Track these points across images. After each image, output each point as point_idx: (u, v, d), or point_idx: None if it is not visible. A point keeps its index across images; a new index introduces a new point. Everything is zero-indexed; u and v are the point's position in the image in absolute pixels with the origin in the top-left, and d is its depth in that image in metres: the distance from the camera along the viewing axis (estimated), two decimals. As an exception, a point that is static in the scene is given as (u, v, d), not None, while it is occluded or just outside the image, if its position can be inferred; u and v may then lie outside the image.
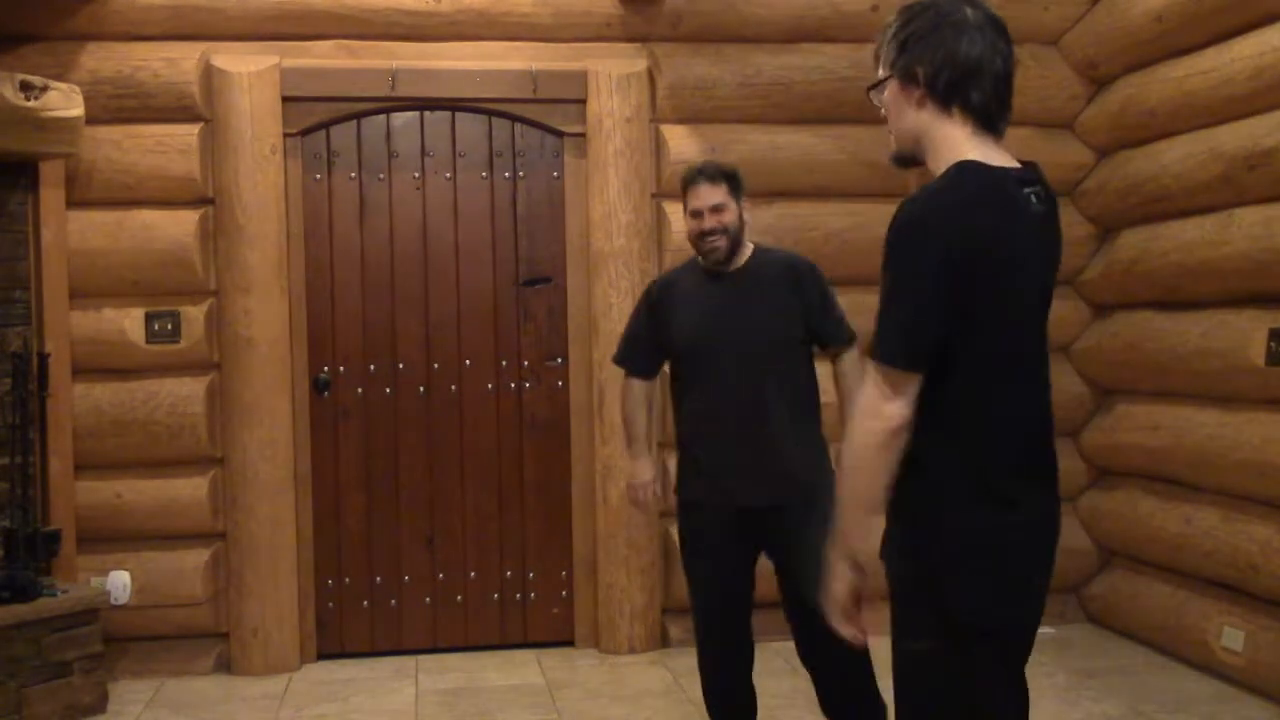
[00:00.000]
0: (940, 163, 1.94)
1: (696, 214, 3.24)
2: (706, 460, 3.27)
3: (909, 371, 1.86)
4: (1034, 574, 2.06)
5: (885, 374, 1.87)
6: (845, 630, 2.00)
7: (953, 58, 1.90)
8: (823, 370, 3.35)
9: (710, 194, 3.22)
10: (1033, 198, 1.93)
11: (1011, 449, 1.96)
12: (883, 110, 2.03)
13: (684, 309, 3.32)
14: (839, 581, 1.97)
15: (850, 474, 1.93)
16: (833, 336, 3.33)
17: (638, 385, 3.52)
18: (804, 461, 3.23)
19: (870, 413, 1.89)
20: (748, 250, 3.31)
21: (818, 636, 2.75)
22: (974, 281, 1.85)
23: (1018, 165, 1.96)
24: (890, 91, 1.98)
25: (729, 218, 3.23)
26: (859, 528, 1.95)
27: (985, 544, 1.94)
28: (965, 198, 1.86)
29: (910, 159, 2.02)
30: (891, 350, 1.87)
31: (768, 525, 3.22)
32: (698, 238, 3.26)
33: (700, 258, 3.31)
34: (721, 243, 3.22)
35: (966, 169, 1.88)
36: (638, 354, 3.50)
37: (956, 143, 1.92)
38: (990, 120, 1.93)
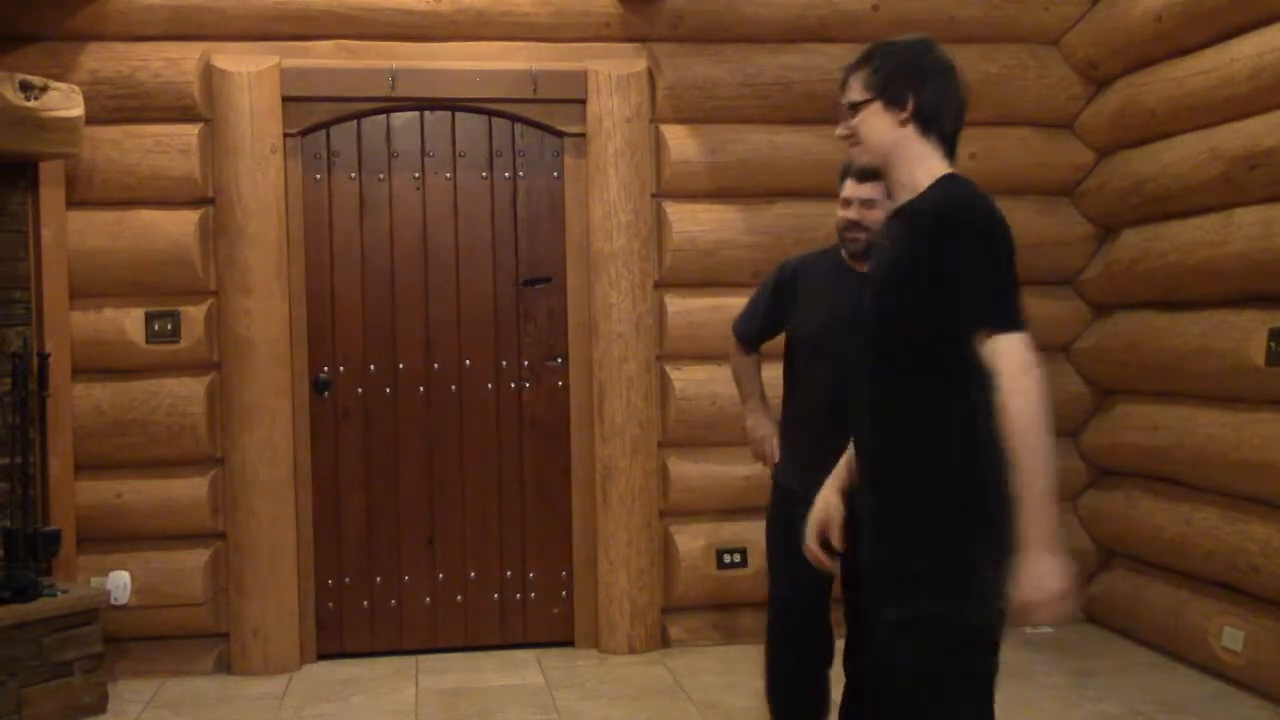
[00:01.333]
0: (913, 175, 2.21)
1: (846, 203, 3.25)
2: (803, 446, 3.26)
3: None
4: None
5: (1022, 340, 2.03)
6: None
7: (940, 94, 2.22)
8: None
9: (865, 188, 3.21)
10: None
11: None
12: (846, 126, 2.28)
13: (813, 296, 3.32)
14: (1056, 577, 2.02)
15: (1036, 446, 2.01)
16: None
17: (741, 351, 3.55)
18: None
19: (1028, 369, 2.01)
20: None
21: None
22: None
23: None
24: (871, 110, 2.24)
25: (876, 216, 3.16)
26: (1051, 509, 2.03)
27: None
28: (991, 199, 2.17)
29: (875, 173, 2.37)
30: (1019, 319, 2.04)
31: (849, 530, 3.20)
32: (843, 227, 3.26)
33: (842, 247, 3.31)
34: (863, 236, 3.19)
35: (968, 180, 2.18)
36: (749, 324, 3.52)
37: (933, 161, 2.21)
38: (953, 149, 2.25)
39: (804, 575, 3.12)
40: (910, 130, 2.21)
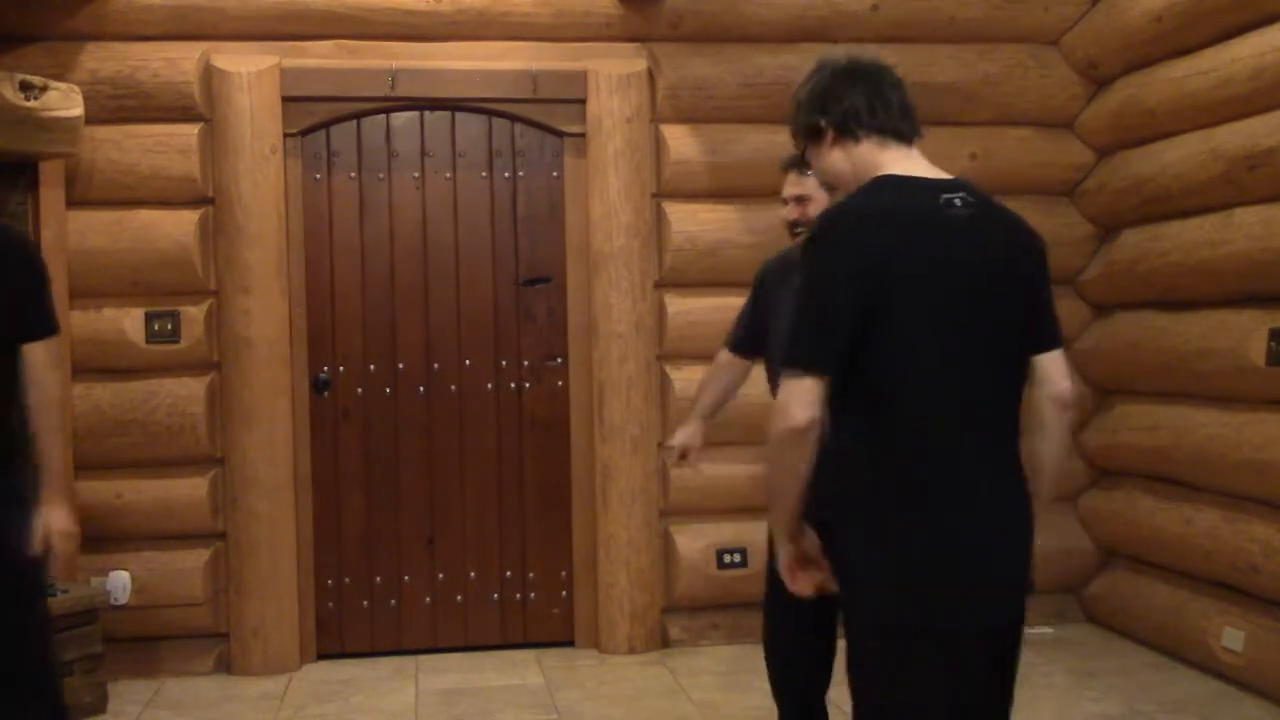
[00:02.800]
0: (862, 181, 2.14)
1: (784, 201, 3.20)
2: None
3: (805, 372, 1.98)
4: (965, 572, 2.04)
5: (790, 373, 1.99)
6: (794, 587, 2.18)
7: (848, 96, 2.14)
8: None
9: (797, 184, 3.16)
10: (956, 202, 2.05)
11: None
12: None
13: (779, 292, 3.22)
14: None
15: (775, 474, 2.04)
16: None
17: (724, 356, 3.49)
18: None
19: (777, 410, 2.00)
20: None
21: None
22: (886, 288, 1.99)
23: (944, 176, 2.12)
24: (811, 155, 2.23)
25: (814, 210, 3.10)
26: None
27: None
28: (877, 207, 2.04)
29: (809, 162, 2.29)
30: (803, 359, 1.98)
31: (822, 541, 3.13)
32: (789, 224, 3.21)
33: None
34: (803, 233, 3.07)
35: (880, 184, 2.08)
36: (733, 330, 3.48)
37: (879, 158, 2.13)
38: (908, 137, 2.15)
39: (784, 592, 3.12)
40: (846, 144, 2.16)
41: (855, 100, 2.14)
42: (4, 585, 2.74)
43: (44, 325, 2.78)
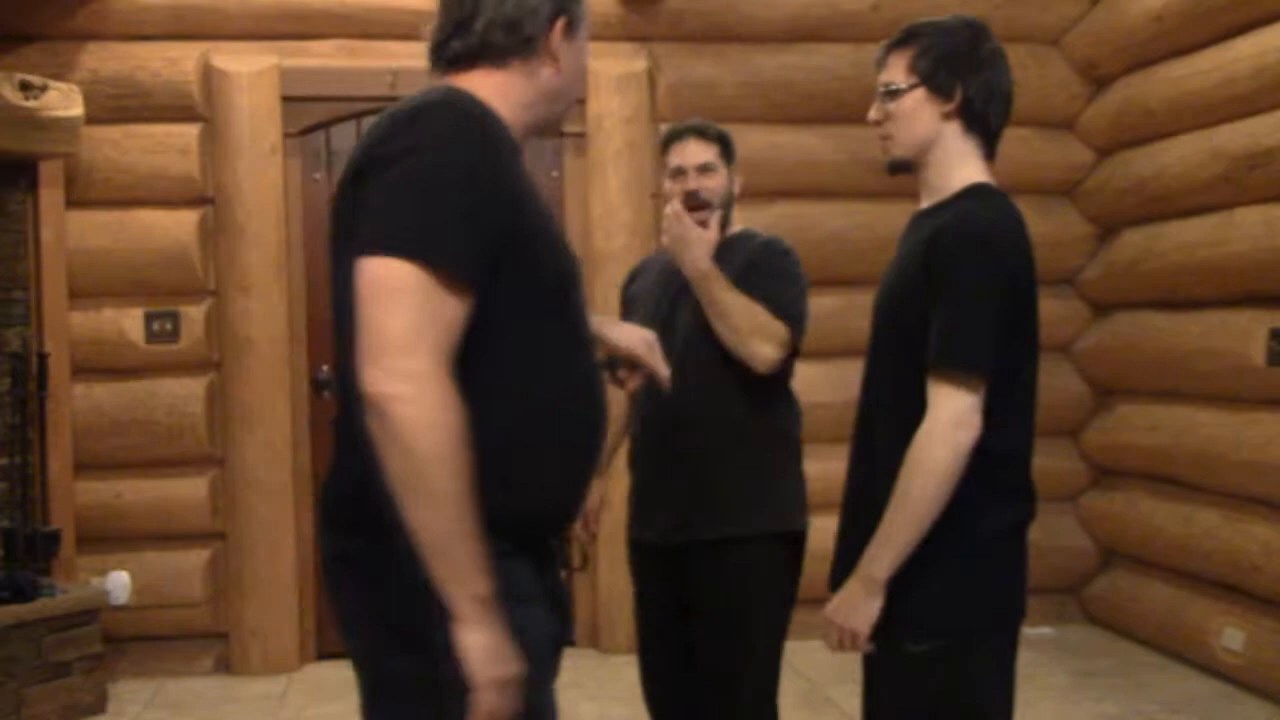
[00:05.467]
0: (946, 178, 2.00)
1: (679, 173, 2.72)
2: (636, 482, 2.83)
3: (983, 380, 1.87)
4: None
5: (966, 381, 1.87)
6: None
7: (991, 86, 2.00)
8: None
9: (700, 151, 2.72)
10: None
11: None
12: (880, 110, 2.05)
13: (640, 297, 2.85)
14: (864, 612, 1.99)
15: (918, 505, 1.89)
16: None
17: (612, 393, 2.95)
18: (728, 497, 2.67)
19: (957, 423, 1.86)
20: (733, 231, 2.82)
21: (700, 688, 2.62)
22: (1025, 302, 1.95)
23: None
24: (912, 99, 2.00)
25: (716, 184, 2.73)
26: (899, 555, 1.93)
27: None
28: (1019, 218, 1.98)
29: (907, 165, 2.06)
30: (974, 361, 1.87)
31: (681, 568, 2.70)
32: (681, 202, 2.70)
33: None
34: (704, 215, 2.69)
35: (997, 193, 1.99)
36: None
37: (970, 164, 2.00)
38: (994, 147, 2.04)
39: (655, 643, 2.76)
40: (954, 126, 1.99)
41: (1000, 97, 2.01)
42: None
43: None
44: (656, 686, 2.79)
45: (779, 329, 2.63)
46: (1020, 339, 1.94)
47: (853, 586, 1.97)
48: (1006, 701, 2.03)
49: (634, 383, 2.15)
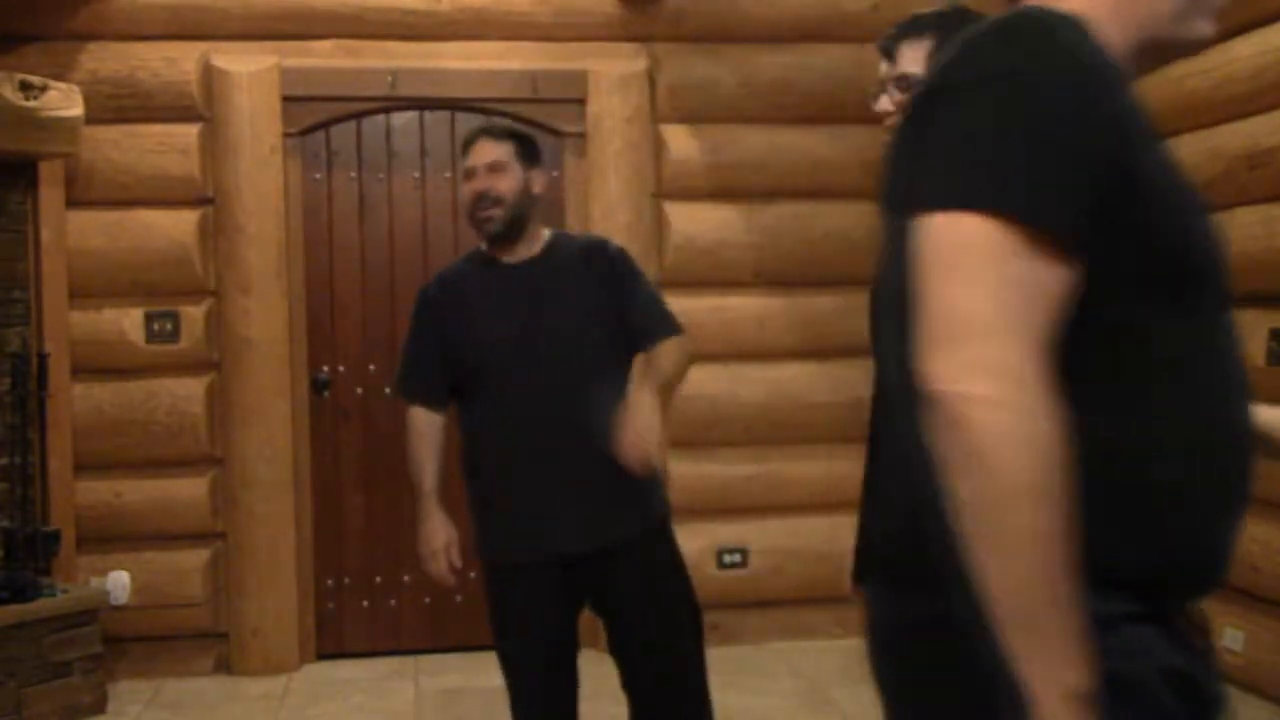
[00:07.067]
0: None
1: (469, 174, 2.72)
2: (508, 503, 2.76)
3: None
4: None
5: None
6: None
7: None
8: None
9: (489, 150, 2.73)
10: None
11: None
12: (894, 103, 1.98)
13: (466, 311, 2.77)
14: None
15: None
16: (655, 327, 2.75)
17: (424, 419, 2.83)
18: (635, 492, 2.70)
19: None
20: (543, 237, 2.84)
21: (654, 678, 2.78)
22: None
23: None
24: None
25: (507, 184, 2.72)
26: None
27: None
28: None
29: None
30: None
31: (594, 575, 2.74)
32: (472, 204, 2.71)
33: (481, 240, 2.81)
34: (497, 213, 2.70)
35: None
36: (420, 377, 2.84)
37: None
38: None
39: (542, 664, 2.81)
40: None
41: None
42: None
43: None
44: (562, 702, 2.87)
45: (683, 343, 2.77)
46: None
47: None
48: None
49: None
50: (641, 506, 2.77)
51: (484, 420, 2.74)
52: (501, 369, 2.69)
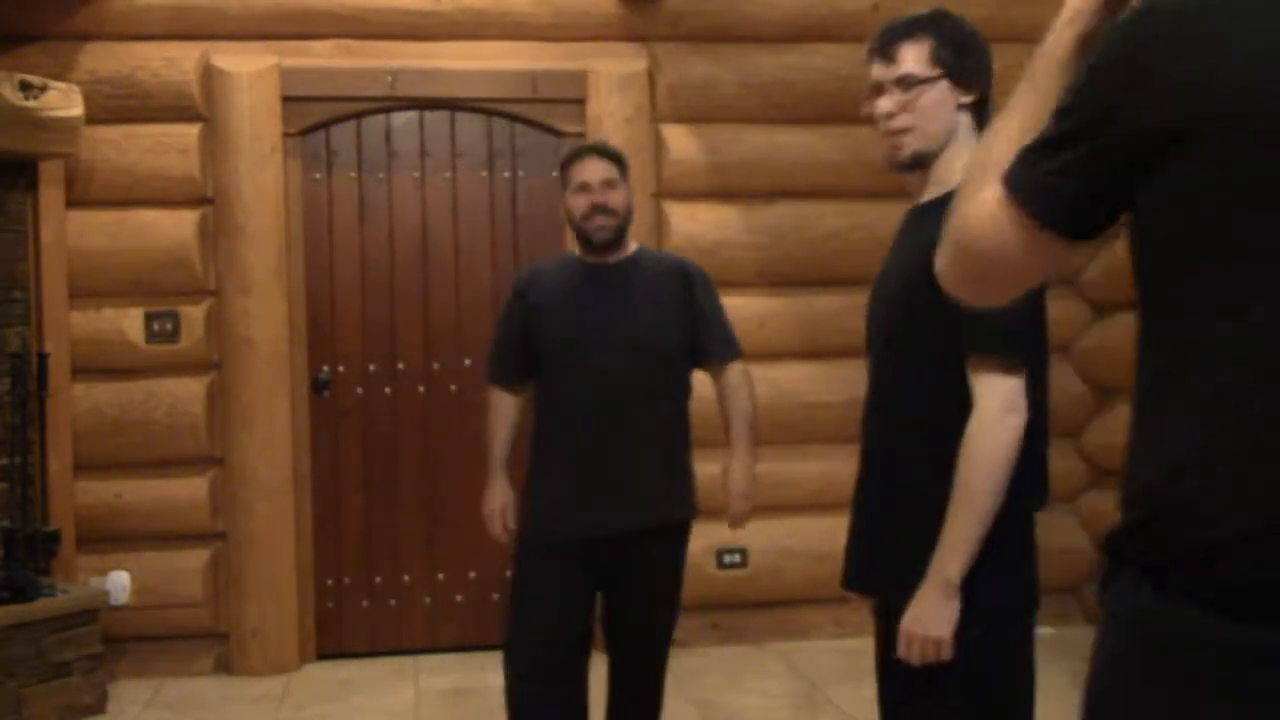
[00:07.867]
0: (950, 167, 1.93)
1: (584, 188, 2.99)
2: (570, 473, 3.01)
3: (1025, 363, 2.01)
4: None
5: (1010, 366, 1.96)
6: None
7: (991, 74, 2.00)
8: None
9: (602, 168, 3.00)
10: None
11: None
12: (895, 101, 1.97)
13: (556, 303, 3.05)
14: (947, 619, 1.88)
15: (985, 490, 1.86)
16: (724, 349, 3.12)
17: (507, 400, 3.20)
18: (680, 487, 3.11)
19: (1008, 408, 1.88)
20: (632, 246, 3.12)
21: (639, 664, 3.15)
22: None
23: None
24: (938, 90, 1.96)
25: (619, 198, 3.01)
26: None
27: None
28: None
29: (926, 160, 1.98)
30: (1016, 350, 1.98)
31: (615, 557, 3.01)
32: (588, 214, 2.99)
33: (581, 244, 3.08)
34: (611, 223, 2.99)
35: None
36: (508, 362, 3.18)
37: (966, 158, 1.91)
38: None
39: (558, 631, 2.99)
40: (966, 117, 1.96)
41: (990, 97, 1.96)
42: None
43: None
44: (566, 680, 3.07)
45: (746, 369, 3.18)
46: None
47: (928, 594, 1.87)
48: (1031, 688, 2.02)
49: None
50: (681, 501, 3.11)
51: (563, 397, 3.02)
52: (584, 351, 2.97)
